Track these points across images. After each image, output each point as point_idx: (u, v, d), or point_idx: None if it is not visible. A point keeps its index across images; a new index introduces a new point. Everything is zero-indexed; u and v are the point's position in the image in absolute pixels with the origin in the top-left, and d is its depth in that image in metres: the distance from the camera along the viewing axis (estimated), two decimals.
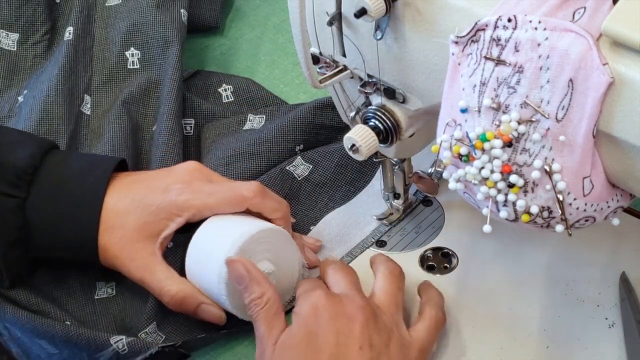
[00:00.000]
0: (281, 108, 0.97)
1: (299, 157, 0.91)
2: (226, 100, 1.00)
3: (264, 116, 0.96)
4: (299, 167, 0.91)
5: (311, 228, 0.88)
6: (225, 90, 1.00)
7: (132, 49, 0.99)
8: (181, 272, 0.80)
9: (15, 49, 1.00)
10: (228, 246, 0.75)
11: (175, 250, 0.83)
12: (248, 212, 0.80)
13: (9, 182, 0.78)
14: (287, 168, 0.90)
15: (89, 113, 0.96)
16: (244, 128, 0.95)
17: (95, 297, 0.84)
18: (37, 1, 1.02)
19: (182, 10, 1.01)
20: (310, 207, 0.89)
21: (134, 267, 0.79)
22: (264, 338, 0.71)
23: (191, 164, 0.83)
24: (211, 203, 0.79)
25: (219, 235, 0.78)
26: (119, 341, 0.77)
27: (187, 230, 0.80)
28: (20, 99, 0.97)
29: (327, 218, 0.88)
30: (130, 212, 0.79)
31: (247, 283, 0.73)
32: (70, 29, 0.98)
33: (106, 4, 1.03)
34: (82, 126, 0.95)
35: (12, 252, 0.78)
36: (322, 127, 0.93)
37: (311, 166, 0.91)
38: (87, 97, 0.96)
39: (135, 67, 0.98)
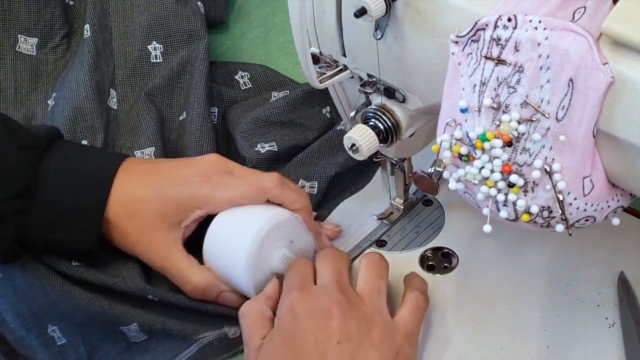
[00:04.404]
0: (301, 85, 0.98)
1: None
2: (244, 87, 1.00)
3: (288, 91, 0.97)
4: None
5: None
6: (242, 77, 1.01)
7: (154, 42, 0.98)
8: (200, 260, 0.80)
9: (34, 53, 0.99)
10: (252, 234, 0.76)
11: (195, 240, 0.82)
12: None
13: (25, 143, 0.77)
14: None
15: (115, 107, 0.95)
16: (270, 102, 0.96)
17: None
18: (54, 5, 1.01)
19: (199, 3, 1.01)
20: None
21: (154, 256, 0.80)
22: (248, 344, 0.72)
23: (212, 157, 0.83)
24: (231, 197, 0.79)
25: (240, 224, 0.78)
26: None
27: (207, 222, 0.80)
28: (50, 102, 0.96)
29: (327, 217, 0.88)
30: (151, 200, 0.79)
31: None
32: (87, 26, 0.98)
33: None
34: (110, 120, 0.95)
35: (15, 203, 0.75)
36: None
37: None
38: (112, 92, 0.96)
39: (159, 60, 0.98)
